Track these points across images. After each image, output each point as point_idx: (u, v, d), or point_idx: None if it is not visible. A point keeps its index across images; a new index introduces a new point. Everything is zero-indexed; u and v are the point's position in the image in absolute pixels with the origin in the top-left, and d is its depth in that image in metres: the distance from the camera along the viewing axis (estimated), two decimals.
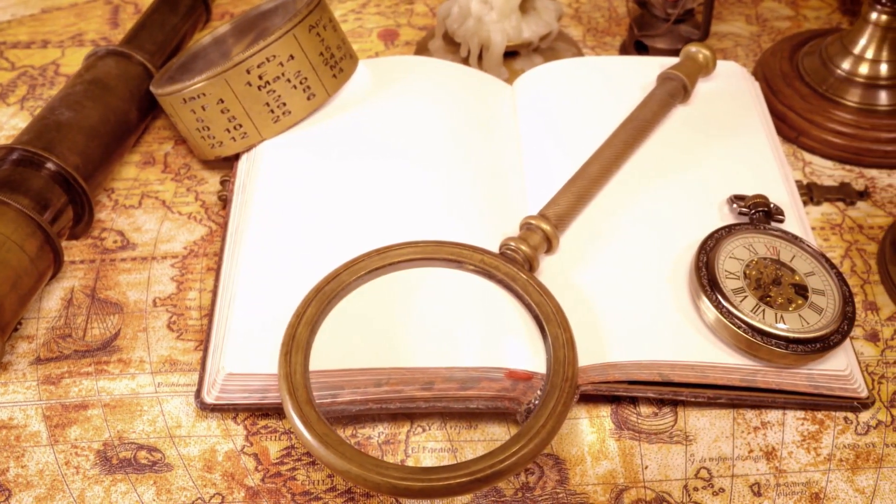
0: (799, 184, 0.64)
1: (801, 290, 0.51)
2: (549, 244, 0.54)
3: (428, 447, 0.50)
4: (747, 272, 0.52)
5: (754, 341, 0.49)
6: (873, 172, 0.67)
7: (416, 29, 0.81)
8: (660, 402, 0.52)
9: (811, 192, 0.64)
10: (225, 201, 0.62)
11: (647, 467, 0.49)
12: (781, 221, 0.57)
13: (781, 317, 0.50)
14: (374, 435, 0.50)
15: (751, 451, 0.50)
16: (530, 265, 0.53)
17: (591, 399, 0.52)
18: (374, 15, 0.83)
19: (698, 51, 0.66)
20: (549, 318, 0.49)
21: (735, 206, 0.57)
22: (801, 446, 0.50)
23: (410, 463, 0.49)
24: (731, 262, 0.52)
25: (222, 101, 0.59)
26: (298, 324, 0.48)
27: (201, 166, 0.67)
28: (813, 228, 0.62)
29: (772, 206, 0.56)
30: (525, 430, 0.45)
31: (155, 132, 0.70)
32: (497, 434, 0.51)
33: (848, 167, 0.67)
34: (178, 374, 0.53)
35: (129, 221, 0.63)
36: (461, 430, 0.51)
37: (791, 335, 0.49)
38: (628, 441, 0.50)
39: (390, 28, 0.81)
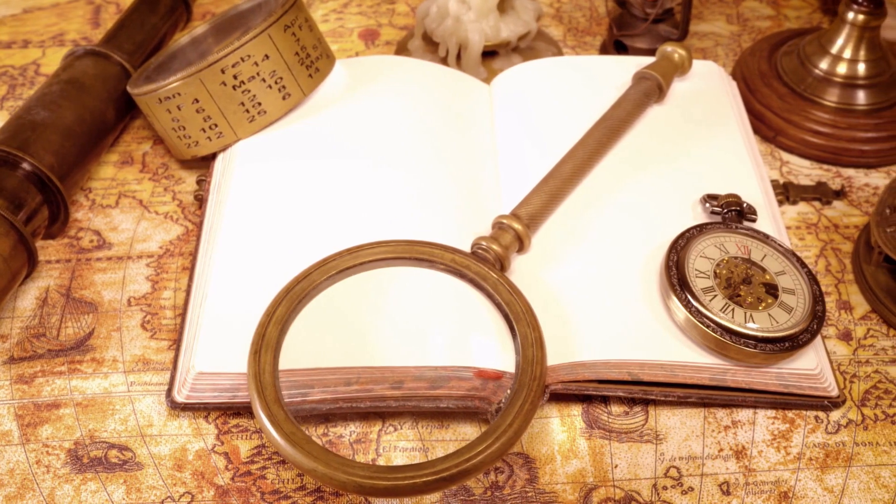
0: (775, 183, 0.64)
1: (772, 290, 0.52)
2: (521, 243, 0.54)
3: (399, 446, 0.50)
4: (718, 271, 0.52)
5: (724, 340, 0.49)
6: (850, 172, 0.67)
7: (396, 29, 0.81)
8: (631, 402, 0.52)
9: (787, 192, 0.64)
10: (201, 201, 0.62)
11: (616, 466, 0.49)
12: (754, 221, 0.57)
13: (751, 316, 0.50)
14: (345, 434, 0.50)
15: (721, 449, 0.50)
16: (501, 264, 0.53)
17: (562, 398, 0.52)
18: (356, 15, 0.83)
19: (674, 50, 0.66)
20: (518, 318, 0.49)
21: (708, 205, 0.57)
22: (771, 445, 0.50)
23: (382, 462, 0.49)
24: (702, 261, 0.53)
25: (197, 101, 0.59)
26: (268, 323, 0.48)
27: (179, 166, 0.67)
28: (788, 228, 0.62)
29: (744, 205, 0.56)
30: (492, 428, 0.45)
31: (134, 132, 0.70)
32: (468, 433, 0.51)
33: (825, 166, 0.67)
34: (150, 373, 0.53)
35: (105, 221, 0.63)
36: (433, 430, 0.51)
37: (760, 334, 0.49)
38: (599, 440, 0.50)
39: (371, 28, 0.81)
